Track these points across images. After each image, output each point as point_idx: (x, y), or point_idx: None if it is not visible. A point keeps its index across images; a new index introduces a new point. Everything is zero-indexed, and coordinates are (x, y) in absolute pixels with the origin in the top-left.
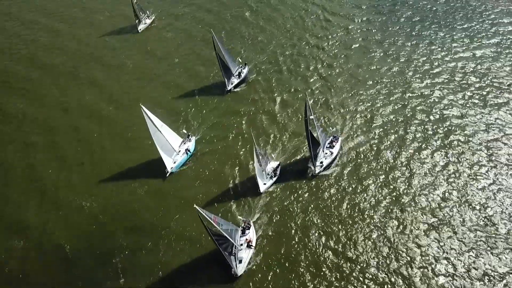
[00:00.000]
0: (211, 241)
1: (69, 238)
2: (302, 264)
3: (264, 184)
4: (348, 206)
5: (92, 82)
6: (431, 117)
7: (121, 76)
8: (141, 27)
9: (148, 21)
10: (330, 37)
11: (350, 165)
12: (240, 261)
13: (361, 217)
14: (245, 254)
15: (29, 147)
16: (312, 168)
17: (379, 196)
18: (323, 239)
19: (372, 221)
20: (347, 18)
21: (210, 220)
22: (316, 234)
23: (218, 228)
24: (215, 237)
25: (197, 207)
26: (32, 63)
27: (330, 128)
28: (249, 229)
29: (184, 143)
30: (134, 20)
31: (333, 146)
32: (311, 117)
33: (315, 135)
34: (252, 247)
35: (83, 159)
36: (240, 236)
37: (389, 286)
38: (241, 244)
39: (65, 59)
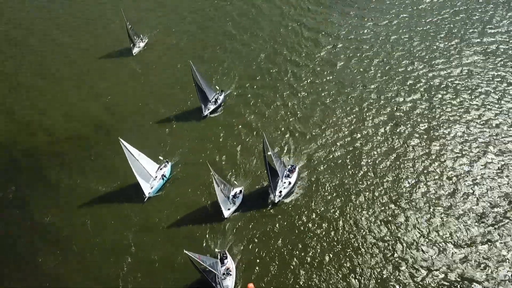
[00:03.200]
0: (194, 269)
1: None
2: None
3: (228, 209)
4: (307, 230)
5: (77, 104)
6: (389, 149)
7: (107, 100)
8: (135, 50)
9: (142, 44)
10: (304, 64)
11: (308, 192)
12: None
13: (319, 237)
14: (230, 282)
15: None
16: (272, 197)
17: (337, 220)
18: (289, 259)
19: (333, 241)
20: (322, 45)
21: (196, 259)
22: (285, 255)
23: (204, 265)
24: (204, 272)
25: (187, 252)
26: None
27: (288, 159)
28: (226, 258)
29: (161, 169)
30: (129, 44)
31: (291, 176)
32: (269, 153)
33: (275, 166)
34: (231, 274)
35: (66, 184)
36: (221, 266)
37: None
38: (223, 274)
39: (54, 81)
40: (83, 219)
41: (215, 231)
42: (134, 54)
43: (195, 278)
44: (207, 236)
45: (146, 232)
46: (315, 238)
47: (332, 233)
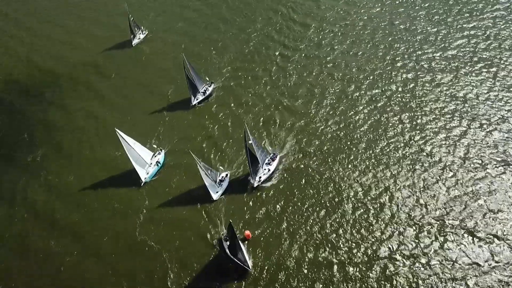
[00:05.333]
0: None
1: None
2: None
3: (216, 192)
4: (283, 210)
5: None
6: (363, 136)
7: (103, 91)
8: (135, 41)
9: (142, 36)
10: (291, 56)
11: (285, 178)
12: (244, 261)
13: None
14: (246, 255)
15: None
16: (252, 182)
17: (313, 204)
18: (271, 236)
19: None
20: (308, 36)
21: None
22: (273, 229)
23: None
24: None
25: (232, 223)
26: None
27: (270, 148)
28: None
29: (155, 156)
30: (129, 35)
31: (271, 164)
32: (250, 141)
33: (256, 153)
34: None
35: (67, 173)
36: None
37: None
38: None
39: (45, 78)
40: (83, 204)
41: (208, 213)
42: (133, 45)
43: (200, 259)
44: (205, 217)
45: (144, 215)
46: (292, 214)
47: (311, 210)
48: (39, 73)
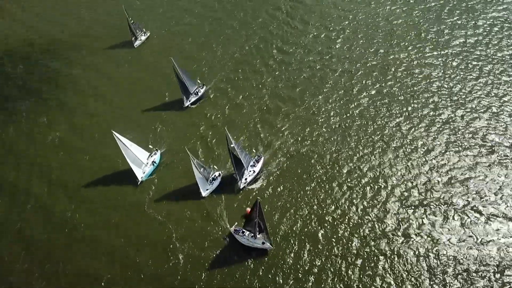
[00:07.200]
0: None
1: None
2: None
3: (207, 189)
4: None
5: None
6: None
7: (103, 90)
8: (137, 43)
9: (144, 37)
10: (281, 59)
11: (272, 181)
12: (263, 243)
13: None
14: (261, 238)
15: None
16: (238, 183)
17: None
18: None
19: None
20: (297, 41)
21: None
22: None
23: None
24: None
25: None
26: None
27: (254, 151)
28: (243, 233)
29: (151, 156)
30: (130, 36)
31: (256, 165)
32: (232, 145)
33: (240, 156)
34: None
35: (67, 170)
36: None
37: None
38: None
39: (44, 75)
40: (82, 199)
41: (204, 207)
42: (135, 46)
43: (206, 249)
44: (203, 212)
45: (142, 210)
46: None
47: (295, 200)
48: (39, 70)
